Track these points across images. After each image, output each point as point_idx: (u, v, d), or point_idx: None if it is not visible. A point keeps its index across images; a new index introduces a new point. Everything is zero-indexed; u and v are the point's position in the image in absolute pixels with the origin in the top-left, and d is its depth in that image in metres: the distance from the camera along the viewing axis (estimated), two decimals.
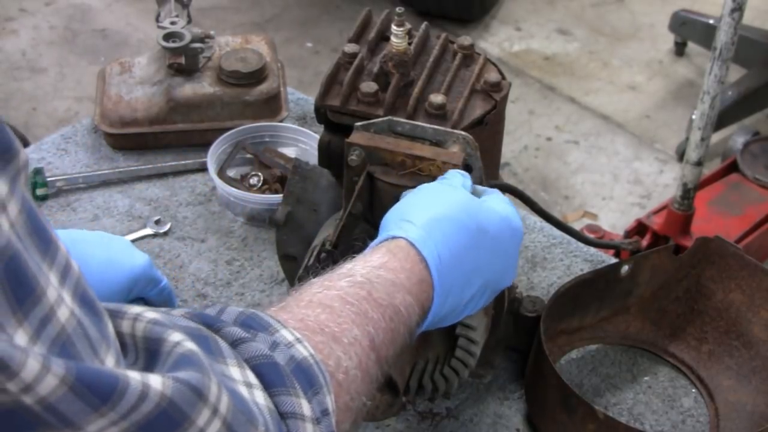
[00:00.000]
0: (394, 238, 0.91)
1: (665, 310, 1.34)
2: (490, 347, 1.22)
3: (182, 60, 1.61)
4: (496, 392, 1.28)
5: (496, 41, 3.80)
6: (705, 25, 3.47)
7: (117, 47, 3.61)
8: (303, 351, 0.73)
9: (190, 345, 0.64)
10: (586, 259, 1.46)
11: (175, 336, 0.65)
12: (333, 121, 1.15)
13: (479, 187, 1.03)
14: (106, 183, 1.57)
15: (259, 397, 0.67)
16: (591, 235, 1.57)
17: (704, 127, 2.33)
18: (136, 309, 0.67)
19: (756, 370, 1.28)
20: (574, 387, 1.18)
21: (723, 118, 3.01)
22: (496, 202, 0.99)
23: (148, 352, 0.65)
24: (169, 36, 1.60)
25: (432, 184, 0.99)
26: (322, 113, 1.16)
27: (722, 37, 2.19)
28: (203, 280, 1.41)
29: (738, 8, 2.16)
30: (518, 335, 1.28)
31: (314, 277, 0.85)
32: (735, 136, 3.14)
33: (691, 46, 3.70)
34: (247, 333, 0.72)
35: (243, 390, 0.67)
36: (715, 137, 2.88)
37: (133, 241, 1.47)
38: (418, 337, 1.09)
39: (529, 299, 1.28)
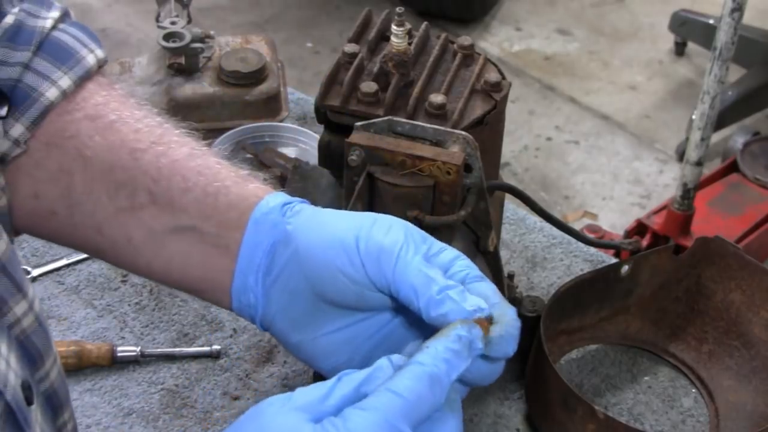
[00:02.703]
0: None
1: (665, 310, 1.34)
2: None
3: (182, 60, 1.61)
4: (496, 392, 1.28)
5: (496, 41, 3.80)
6: (705, 25, 3.47)
7: (117, 47, 3.61)
8: None
9: None
10: (586, 259, 1.46)
11: None
12: (333, 121, 1.15)
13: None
14: None
15: None
16: (591, 235, 1.57)
17: (704, 127, 2.33)
18: None
19: (756, 370, 1.28)
20: (574, 387, 1.18)
21: (723, 118, 3.01)
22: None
23: None
24: (169, 36, 1.60)
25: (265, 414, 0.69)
26: (322, 113, 1.16)
27: (722, 37, 2.19)
28: None
29: (738, 8, 2.16)
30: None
31: None
32: (735, 136, 3.14)
33: (691, 46, 3.70)
34: None
35: None
36: (715, 137, 2.88)
37: None
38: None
39: (529, 299, 1.28)
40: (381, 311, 0.82)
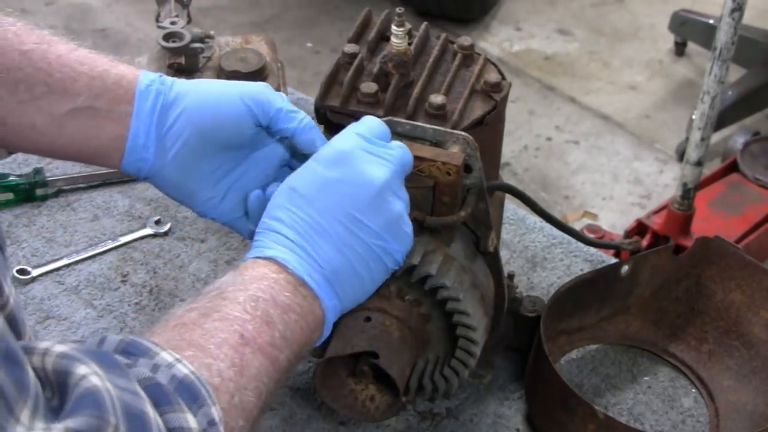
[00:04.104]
0: (262, 258, 0.93)
1: (665, 310, 1.34)
2: (490, 347, 1.22)
3: (182, 60, 1.61)
4: (496, 392, 1.28)
5: (496, 41, 3.80)
6: (705, 25, 3.47)
7: (117, 47, 3.61)
8: (183, 369, 0.77)
9: (94, 380, 0.69)
10: (586, 259, 1.46)
11: (82, 369, 0.69)
12: (333, 121, 1.15)
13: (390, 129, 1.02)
14: (106, 183, 1.57)
15: (158, 417, 0.72)
16: (591, 235, 1.57)
17: (704, 127, 2.33)
18: (44, 344, 0.71)
19: (756, 370, 1.28)
20: (574, 387, 1.18)
21: (723, 118, 3.02)
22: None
23: (59, 385, 0.69)
24: (169, 36, 1.59)
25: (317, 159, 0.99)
26: (322, 113, 1.16)
27: (722, 37, 2.20)
28: (203, 280, 1.41)
29: (738, 8, 2.16)
30: (518, 335, 1.28)
31: None
32: (735, 136, 3.14)
33: (691, 46, 3.70)
34: (129, 359, 0.77)
35: (149, 409, 0.71)
36: (715, 137, 2.88)
37: (133, 241, 1.47)
38: (418, 338, 1.09)
39: (529, 299, 1.28)
40: (253, 149, 1.09)
